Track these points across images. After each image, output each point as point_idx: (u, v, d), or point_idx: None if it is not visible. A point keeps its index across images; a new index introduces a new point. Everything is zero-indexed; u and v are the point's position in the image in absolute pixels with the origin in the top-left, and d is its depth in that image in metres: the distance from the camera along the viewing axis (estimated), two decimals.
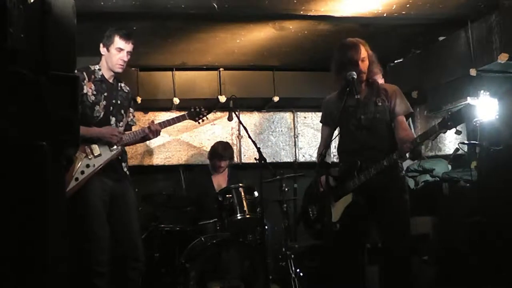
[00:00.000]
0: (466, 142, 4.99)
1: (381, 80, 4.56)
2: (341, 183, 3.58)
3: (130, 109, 4.15)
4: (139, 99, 5.65)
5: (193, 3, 4.15)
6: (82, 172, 3.74)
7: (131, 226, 3.92)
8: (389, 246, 3.55)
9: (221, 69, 5.92)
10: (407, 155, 3.51)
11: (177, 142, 6.16)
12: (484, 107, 5.00)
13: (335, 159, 3.99)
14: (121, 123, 4.01)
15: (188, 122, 5.55)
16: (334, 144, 3.83)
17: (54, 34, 2.08)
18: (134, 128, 4.21)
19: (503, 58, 4.42)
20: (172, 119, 4.17)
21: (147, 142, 5.92)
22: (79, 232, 3.69)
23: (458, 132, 3.20)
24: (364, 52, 3.57)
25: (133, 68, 5.69)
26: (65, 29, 2.13)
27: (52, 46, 2.07)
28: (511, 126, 4.56)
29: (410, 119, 4.53)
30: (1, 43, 1.82)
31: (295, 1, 4.19)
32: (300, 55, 5.57)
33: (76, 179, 3.72)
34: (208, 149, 5.76)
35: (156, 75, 5.85)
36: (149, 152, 6.09)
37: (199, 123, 4.41)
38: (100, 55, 3.94)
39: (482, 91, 4.99)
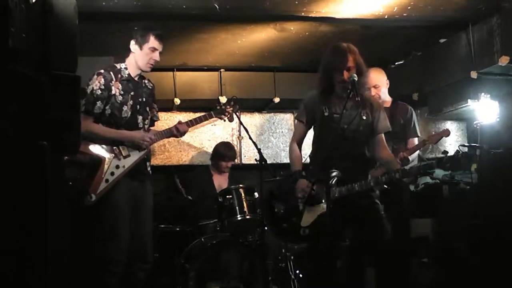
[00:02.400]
0: (466, 144, 4.99)
1: (385, 89, 4.59)
2: (318, 190, 3.50)
3: (154, 104, 4.13)
4: None
5: (194, 3, 4.16)
6: (112, 174, 3.75)
7: (145, 228, 3.93)
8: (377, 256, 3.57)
9: (222, 69, 5.92)
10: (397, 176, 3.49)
11: (178, 143, 6.16)
12: (485, 110, 5.01)
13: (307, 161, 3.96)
14: (147, 120, 4.01)
15: None
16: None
17: (56, 33, 2.08)
18: (156, 124, 4.22)
19: (504, 60, 4.43)
20: (199, 117, 4.17)
21: None
22: (102, 230, 3.73)
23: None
24: (351, 61, 3.49)
25: None
26: (66, 29, 2.13)
27: (54, 45, 2.07)
28: (511, 128, 4.56)
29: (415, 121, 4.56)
30: (2, 43, 1.83)
31: (296, 2, 4.19)
32: (301, 56, 5.57)
33: (107, 180, 3.73)
34: (209, 150, 5.76)
35: (157, 75, 5.81)
36: (150, 153, 6.08)
37: (224, 120, 4.38)
38: (128, 52, 3.92)
39: (482, 94, 5.00)
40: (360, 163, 3.56)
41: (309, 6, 4.27)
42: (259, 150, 4.32)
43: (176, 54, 5.40)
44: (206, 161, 5.99)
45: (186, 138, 6.16)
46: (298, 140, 3.77)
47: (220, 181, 5.45)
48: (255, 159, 4.38)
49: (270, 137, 6.42)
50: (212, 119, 4.31)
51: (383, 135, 3.65)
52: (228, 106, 4.34)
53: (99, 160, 3.72)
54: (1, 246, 1.78)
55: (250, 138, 4.44)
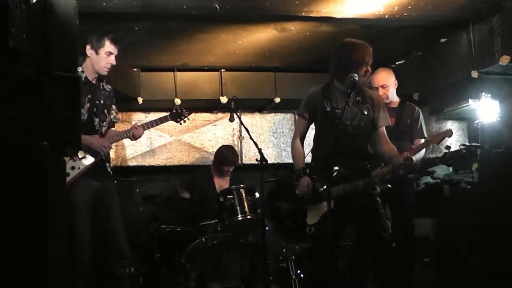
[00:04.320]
0: (467, 144, 4.98)
1: (393, 90, 4.59)
2: (323, 188, 3.50)
3: (113, 106, 4.17)
4: (140, 100, 5.65)
5: (194, 4, 4.16)
6: (68, 174, 3.74)
7: (115, 225, 3.97)
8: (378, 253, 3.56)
9: (222, 70, 5.92)
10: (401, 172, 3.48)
11: (178, 143, 6.16)
12: (486, 109, 5.00)
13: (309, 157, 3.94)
14: (104, 122, 4.04)
15: (190, 123, 5.58)
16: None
17: (56, 34, 2.09)
18: (116, 125, 4.28)
19: (504, 60, 4.43)
20: (155, 120, 4.23)
21: (148, 142, 5.95)
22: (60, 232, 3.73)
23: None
24: (370, 56, 3.54)
25: (134, 69, 5.70)
26: (67, 30, 2.13)
27: (54, 46, 2.07)
28: None
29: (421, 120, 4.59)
30: (3, 43, 1.83)
31: (296, 2, 4.19)
32: (301, 56, 5.57)
33: None
34: (209, 150, 5.76)
35: (157, 76, 5.85)
36: (150, 153, 6.08)
37: (180, 124, 4.48)
38: (85, 56, 3.93)
39: (483, 93, 4.99)
40: (363, 160, 3.56)
41: (310, 6, 4.27)
42: (259, 150, 4.31)
43: (176, 54, 5.40)
44: (207, 161, 5.99)
45: (186, 138, 6.17)
46: (300, 136, 3.76)
47: (221, 183, 5.44)
48: (256, 159, 4.38)
49: (270, 137, 6.42)
50: (168, 122, 4.35)
51: (384, 129, 3.65)
52: (184, 110, 4.40)
53: None
54: (1, 246, 1.78)
55: (251, 138, 4.44)
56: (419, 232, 4.83)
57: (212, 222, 4.77)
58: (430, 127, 6.25)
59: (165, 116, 4.30)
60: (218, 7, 4.15)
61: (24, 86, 1.90)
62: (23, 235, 1.81)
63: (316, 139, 3.76)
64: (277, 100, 5.98)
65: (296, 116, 3.88)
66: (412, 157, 4.17)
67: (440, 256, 4.82)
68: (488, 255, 4.18)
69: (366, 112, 3.55)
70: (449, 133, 4.29)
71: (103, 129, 4.01)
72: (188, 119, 4.51)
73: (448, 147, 3.40)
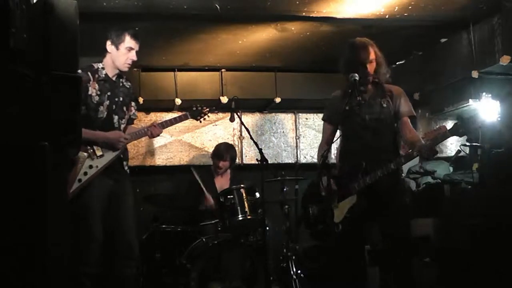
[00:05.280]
0: (468, 144, 4.98)
1: None
2: (345, 184, 3.55)
3: (132, 103, 4.14)
4: (141, 100, 5.65)
5: (195, 4, 4.16)
6: (85, 174, 3.75)
7: (127, 225, 3.92)
8: (391, 250, 3.55)
9: (223, 70, 5.92)
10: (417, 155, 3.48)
11: (179, 143, 6.16)
12: (486, 109, 5.00)
13: (335, 159, 3.97)
14: (123, 120, 4.01)
15: (190, 123, 5.58)
16: (335, 144, 3.83)
17: (57, 34, 2.09)
18: (135, 122, 4.23)
19: (505, 60, 4.43)
20: (174, 118, 4.19)
21: (149, 143, 5.94)
22: (75, 230, 3.70)
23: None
24: (372, 53, 3.58)
25: (135, 69, 5.69)
26: (67, 30, 2.13)
27: (55, 46, 2.07)
28: None
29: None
30: (3, 43, 1.83)
31: (297, 2, 4.19)
32: (302, 56, 5.57)
33: (79, 180, 3.72)
34: (210, 150, 5.76)
35: (158, 76, 5.85)
36: (151, 153, 6.09)
37: (200, 121, 4.44)
38: (105, 52, 3.92)
39: (484, 93, 4.99)
40: (385, 154, 3.55)
41: (310, 6, 4.27)
42: (260, 150, 4.31)
43: (177, 54, 5.40)
44: (208, 161, 5.99)
45: (187, 138, 6.17)
46: (326, 141, 3.75)
47: (222, 182, 5.44)
48: (256, 159, 4.38)
49: (271, 137, 6.41)
50: (188, 120, 4.33)
51: (408, 118, 3.65)
52: (204, 108, 4.36)
53: (73, 161, 3.72)
54: (1, 246, 1.78)
55: (251, 138, 4.44)
56: (420, 231, 4.83)
57: (213, 222, 4.77)
58: (431, 127, 6.24)
59: (185, 114, 4.26)
60: (218, 7, 4.15)
61: (24, 86, 1.90)
62: (23, 235, 1.81)
63: (341, 139, 3.79)
64: (278, 100, 5.98)
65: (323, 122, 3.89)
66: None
67: (441, 256, 4.82)
68: (489, 255, 4.18)
69: (385, 105, 3.57)
70: (443, 129, 4.25)
71: (122, 126, 3.98)
72: (208, 116, 4.47)
73: (459, 117, 3.38)
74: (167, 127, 4.17)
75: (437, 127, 3.37)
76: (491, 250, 4.18)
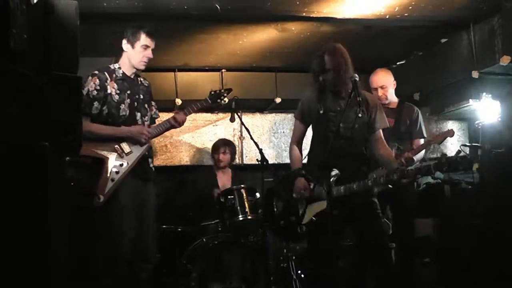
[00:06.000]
0: (468, 144, 4.98)
1: (392, 90, 4.59)
2: (315, 188, 3.49)
3: (152, 102, 4.13)
4: None
5: (195, 4, 4.16)
6: (117, 172, 3.73)
7: (148, 228, 3.90)
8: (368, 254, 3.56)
9: (223, 70, 5.92)
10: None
11: (179, 143, 6.16)
12: (486, 110, 5.00)
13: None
14: (146, 117, 4.01)
15: (190, 123, 5.58)
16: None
17: (57, 35, 2.09)
18: (157, 121, 4.20)
19: (505, 60, 4.43)
20: (196, 104, 4.15)
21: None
22: (109, 230, 3.71)
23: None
24: (330, 63, 3.51)
25: None
26: (68, 30, 2.13)
27: (55, 47, 2.08)
28: None
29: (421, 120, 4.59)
30: (3, 44, 1.83)
31: (297, 2, 4.19)
32: (302, 56, 5.56)
33: (112, 179, 3.71)
34: (210, 150, 5.76)
35: (158, 76, 5.84)
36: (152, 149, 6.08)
37: (221, 104, 4.37)
38: (121, 51, 3.92)
39: (484, 93, 4.99)
40: (358, 162, 3.55)
41: (311, 6, 4.27)
42: (260, 150, 4.32)
43: (177, 54, 5.40)
44: (208, 161, 5.99)
45: (187, 138, 6.17)
46: (297, 139, 3.79)
47: (224, 181, 5.45)
48: (257, 160, 4.39)
49: (271, 137, 6.42)
50: (209, 104, 4.27)
51: (381, 132, 3.64)
52: (223, 91, 4.34)
53: (101, 160, 3.72)
54: (2, 245, 1.78)
55: (252, 138, 4.44)
56: (420, 232, 4.83)
57: (213, 222, 4.78)
58: (431, 127, 6.25)
59: (205, 99, 4.22)
60: (218, 7, 4.15)
61: (25, 87, 1.90)
62: (23, 236, 1.81)
63: (312, 141, 3.77)
64: (278, 100, 5.98)
65: (295, 119, 3.88)
66: (413, 157, 4.17)
67: (441, 256, 4.82)
68: (489, 255, 4.18)
69: (360, 115, 3.50)
70: (450, 133, 4.27)
71: (146, 124, 3.97)
72: (227, 99, 4.41)
73: (443, 155, 3.35)
74: (189, 114, 4.12)
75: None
76: (491, 250, 4.18)
